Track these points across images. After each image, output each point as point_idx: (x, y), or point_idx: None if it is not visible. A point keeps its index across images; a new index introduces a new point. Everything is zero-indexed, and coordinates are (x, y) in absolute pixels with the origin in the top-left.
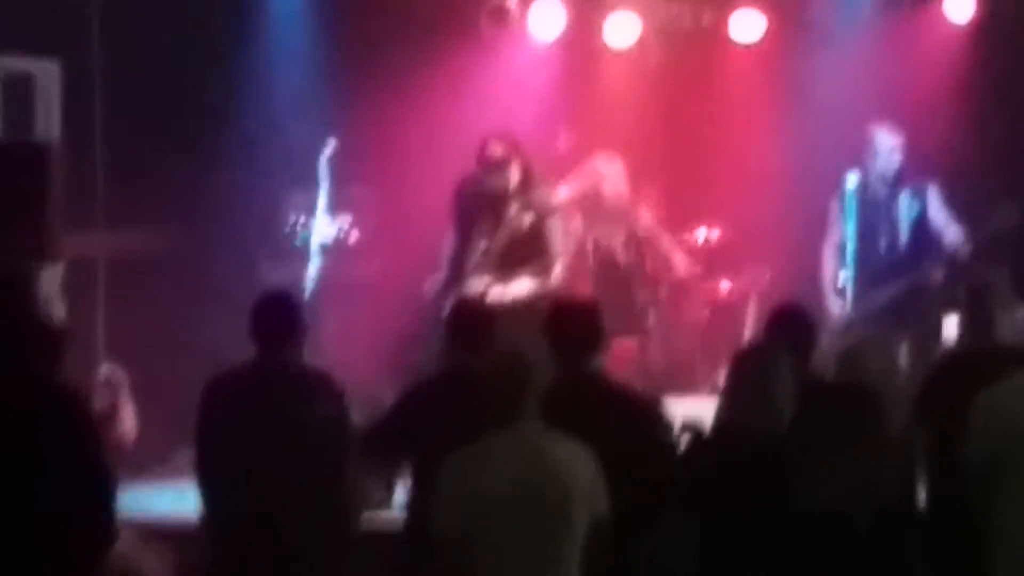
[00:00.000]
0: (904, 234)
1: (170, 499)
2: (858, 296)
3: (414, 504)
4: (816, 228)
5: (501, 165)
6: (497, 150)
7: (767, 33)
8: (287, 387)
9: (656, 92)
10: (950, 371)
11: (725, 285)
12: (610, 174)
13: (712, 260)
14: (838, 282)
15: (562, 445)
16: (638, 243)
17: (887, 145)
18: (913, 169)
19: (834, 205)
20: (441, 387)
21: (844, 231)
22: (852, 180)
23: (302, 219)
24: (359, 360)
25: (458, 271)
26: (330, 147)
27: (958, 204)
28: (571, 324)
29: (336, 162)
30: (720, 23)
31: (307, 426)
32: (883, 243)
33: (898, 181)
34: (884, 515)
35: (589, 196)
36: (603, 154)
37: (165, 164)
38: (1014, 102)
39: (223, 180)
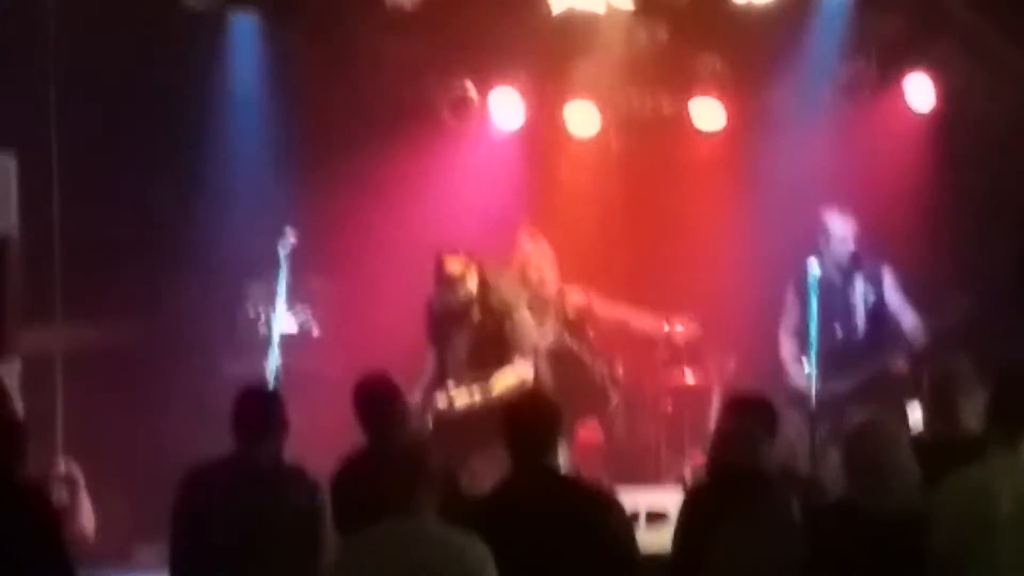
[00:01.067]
0: (861, 320)
1: None
2: (820, 382)
3: None
4: (779, 315)
5: (459, 281)
6: (454, 268)
7: (727, 121)
8: (262, 482)
9: (618, 181)
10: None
11: (689, 375)
12: (533, 252)
13: (676, 349)
14: (799, 366)
15: (452, 538)
16: (575, 324)
17: (839, 231)
18: (868, 253)
19: (790, 290)
20: (351, 470)
21: (804, 316)
22: (815, 265)
23: (262, 310)
24: (321, 451)
25: (437, 387)
26: (289, 239)
27: (913, 292)
28: (523, 422)
29: (296, 254)
30: (680, 111)
31: (280, 521)
32: (840, 329)
33: (853, 267)
34: None
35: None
36: (525, 231)
37: (124, 258)
38: (972, 192)
39: (183, 273)
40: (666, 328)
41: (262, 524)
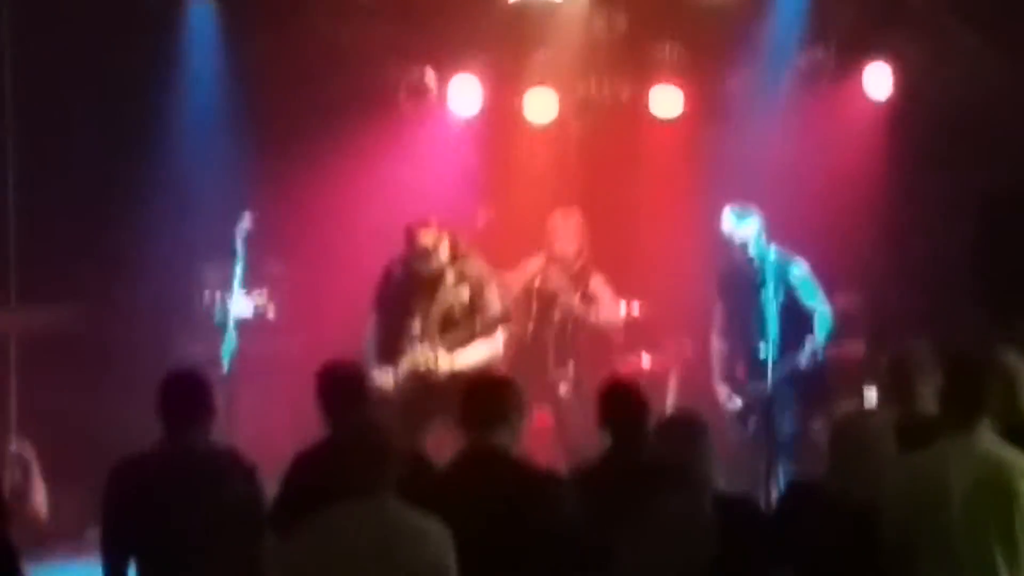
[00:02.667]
0: (773, 322)
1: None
2: (739, 389)
3: None
4: None
5: (431, 252)
6: (427, 240)
7: (686, 108)
8: (195, 470)
9: (576, 166)
10: (870, 444)
11: (646, 358)
12: (564, 229)
13: (633, 334)
14: (723, 369)
15: (412, 522)
16: (585, 299)
17: (736, 233)
18: (779, 247)
19: (715, 286)
20: (315, 455)
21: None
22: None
23: (218, 294)
24: (277, 435)
25: (391, 351)
26: (246, 222)
27: (866, 278)
28: (477, 400)
29: (253, 237)
30: (639, 98)
31: (216, 508)
32: (755, 332)
33: (761, 264)
34: None
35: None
36: (560, 209)
37: (80, 240)
38: (929, 179)
39: (138, 256)
40: (623, 312)
41: (199, 511)
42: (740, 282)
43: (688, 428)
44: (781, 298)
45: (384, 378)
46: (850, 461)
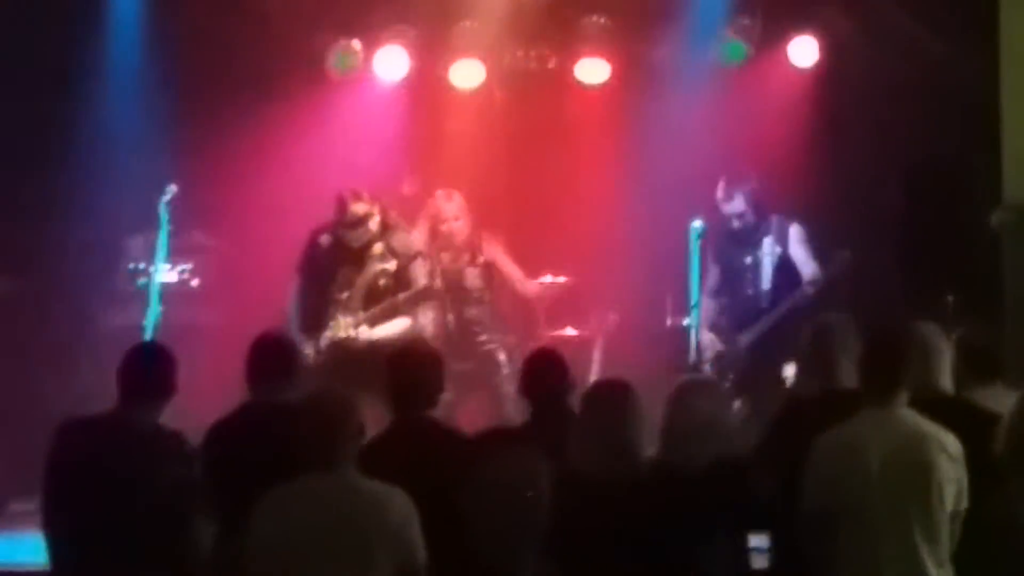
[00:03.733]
0: (767, 275)
1: (4, 549)
2: (726, 337)
3: (223, 546)
4: (662, 272)
5: (362, 221)
6: (358, 209)
7: (612, 77)
8: (139, 445)
9: (502, 133)
10: (791, 416)
11: (570, 330)
12: (449, 209)
13: (557, 305)
14: (712, 322)
15: (374, 490)
16: (484, 268)
17: (731, 200)
18: (775, 209)
19: (708, 255)
20: (244, 424)
21: (720, 278)
22: (697, 225)
23: (142, 264)
24: (200, 406)
25: (314, 319)
26: (170, 192)
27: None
28: (406, 373)
29: (176, 207)
30: (565, 68)
31: (154, 486)
32: (748, 286)
33: (755, 228)
34: None
35: (434, 233)
36: (441, 191)
37: (1, 212)
38: (856, 147)
39: (62, 227)
40: (548, 279)
41: (135, 488)
42: (735, 244)
43: (613, 393)
44: (778, 255)
45: (306, 346)
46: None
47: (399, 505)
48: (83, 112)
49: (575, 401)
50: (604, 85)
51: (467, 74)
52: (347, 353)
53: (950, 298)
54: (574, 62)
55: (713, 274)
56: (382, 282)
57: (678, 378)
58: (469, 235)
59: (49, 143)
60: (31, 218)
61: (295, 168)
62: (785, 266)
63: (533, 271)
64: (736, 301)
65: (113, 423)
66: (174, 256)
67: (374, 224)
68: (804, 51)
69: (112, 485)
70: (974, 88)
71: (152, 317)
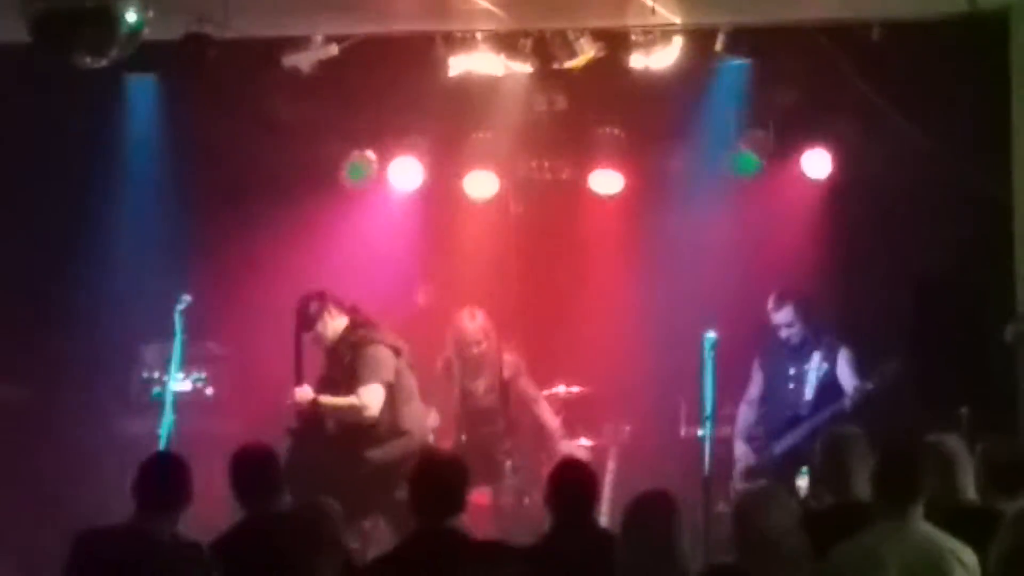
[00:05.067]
0: (811, 389)
1: None
2: (760, 445)
3: None
4: (676, 383)
5: (312, 321)
6: (308, 309)
7: (625, 188)
8: (157, 556)
9: (516, 243)
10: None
11: (584, 441)
12: (472, 332)
13: (571, 415)
14: (748, 432)
15: None
16: (501, 387)
17: (775, 318)
18: (824, 329)
19: (755, 362)
20: (233, 542)
21: (764, 388)
22: (711, 336)
23: (156, 374)
24: (215, 516)
25: None
26: (184, 302)
27: None
28: (432, 482)
29: (191, 316)
30: (579, 177)
31: None
32: (789, 398)
33: (804, 341)
34: None
35: (460, 355)
36: (466, 311)
37: (15, 319)
38: (867, 258)
39: (76, 335)
40: (562, 389)
41: None
42: (783, 355)
43: (660, 507)
44: (824, 371)
45: None
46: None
47: None
48: (98, 221)
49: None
50: (618, 196)
51: (481, 185)
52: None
53: (964, 411)
54: (588, 173)
55: (756, 382)
56: (340, 376)
57: (749, 487)
58: (490, 355)
59: (64, 252)
60: (45, 327)
61: (309, 277)
62: (830, 384)
63: (547, 380)
64: (775, 410)
65: (131, 534)
66: (188, 365)
67: (336, 321)
68: (817, 163)
69: None
70: (987, 200)
71: (166, 426)
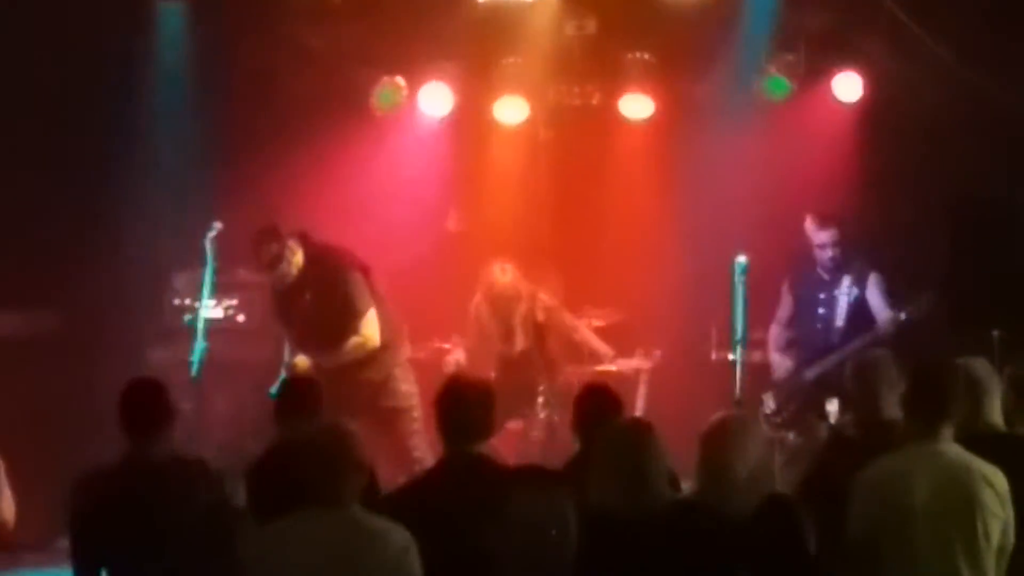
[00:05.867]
0: (842, 314)
1: None
2: (793, 367)
3: None
4: (706, 307)
5: (276, 261)
6: (270, 250)
7: (655, 113)
8: (162, 479)
9: (546, 168)
10: (834, 451)
11: (616, 364)
12: (503, 282)
13: (603, 340)
14: (779, 356)
15: (372, 525)
16: (536, 332)
17: (817, 237)
18: (855, 254)
19: (784, 284)
20: (270, 461)
21: (794, 310)
22: (741, 260)
23: (187, 300)
24: (246, 439)
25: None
26: (215, 229)
27: None
28: (459, 409)
29: (221, 245)
30: (609, 103)
31: (182, 519)
32: (820, 321)
33: (842, 265)
34: None
35: (487, 304)
36: (497, 265)
37: (47, 246)
38: (899, 181)
39: (108, 263)
40: (593, 316)
41: (167, 522)
42: (813, 279)
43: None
44: (854, 296)
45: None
46: None
47: (397, 539)
48: (129, 149)
49: None
50: (648, 120)
51: (511, 110)
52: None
53: (996, 334)
54: (618, 98)
55: (786, 304)
56: (325, 310)
57: (715, 415)
58: (525, 302)
59: (96, 181)
60: (77, 256)
61: (339, 204)
62: (860, 309)
63: (577, 306)
64: (806, 334)
65: (130, 463)
66: (219, 292)
67: (295, 258)
68: (848, 86)
69: (143, 525)
70: (1020, 120)
71: (198, 352)
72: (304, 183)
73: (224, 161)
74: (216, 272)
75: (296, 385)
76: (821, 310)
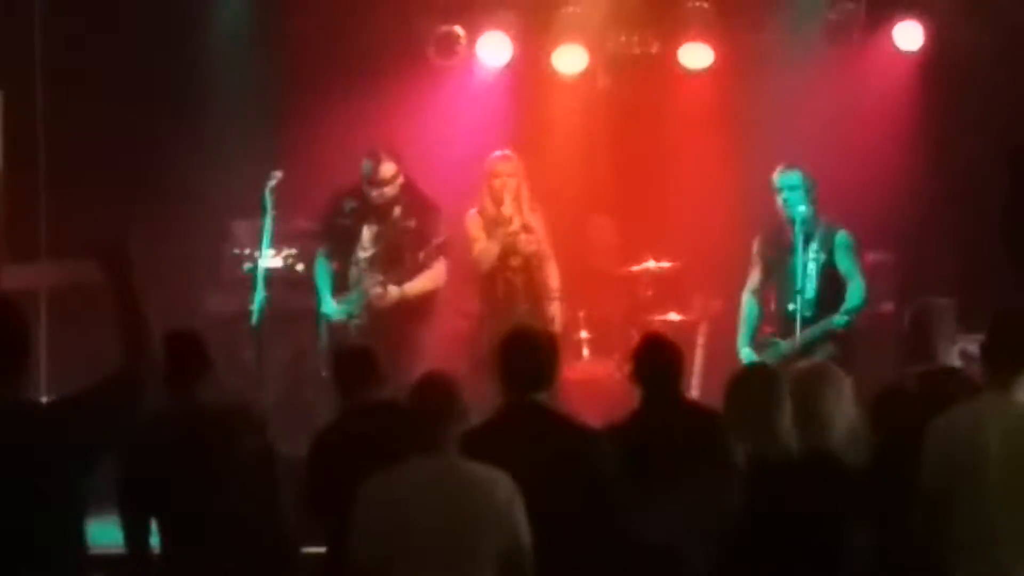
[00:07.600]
0: (812, 281)
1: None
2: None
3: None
4: None
5: (389, 181)
6: (388, 169)
7: (715, 62)
8: (202, 428)
9: (605, 118)
10: (892, 399)
11: (674, 313)
12: (504, 168)
13: (662, 290)
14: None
15: (478, 473)
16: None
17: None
18: (826, 214)
19: (754, 245)
20: (347, 428)
21: (797, 260)
22: (802, 210)
23: (247, 250)
24: (306, 389)
25: (340, 282)
26: (275, 178)
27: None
28: (523, 357)
29: (281, 193)
30: (668, 52)
31: (227, 465)
32: (790, 288)
33: (810, 227)
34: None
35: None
36: (498, 151)
37: (108, 195)
38: (961, 131)
39: (167, 211)
40: (652, 265)
41: (210, 469)
42: (780, 242)
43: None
44: (821, 262)
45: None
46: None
47: (504, 487)
48: (190, 99)
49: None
50: (707, 70)
51: (570, 59)
52: (376, 315)
53: None
54: (677, 47)
55: (756, 271)
56: (403, 239)
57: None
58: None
59: (155, 130)
60: (137, 204)
61: (399, 152)
62: (829, 275)
63: (636, 255)
64: (778, 304)
65: (177, 414)
66: (279, 242)
67: (396, 186)
68: (909, 35)
69: (188, 473)
70: None
71: (258, 302)
72: (364, 132)
73: (284, 110)
74: (276, 221)
75: (357, 355)
76: (788, 278)
